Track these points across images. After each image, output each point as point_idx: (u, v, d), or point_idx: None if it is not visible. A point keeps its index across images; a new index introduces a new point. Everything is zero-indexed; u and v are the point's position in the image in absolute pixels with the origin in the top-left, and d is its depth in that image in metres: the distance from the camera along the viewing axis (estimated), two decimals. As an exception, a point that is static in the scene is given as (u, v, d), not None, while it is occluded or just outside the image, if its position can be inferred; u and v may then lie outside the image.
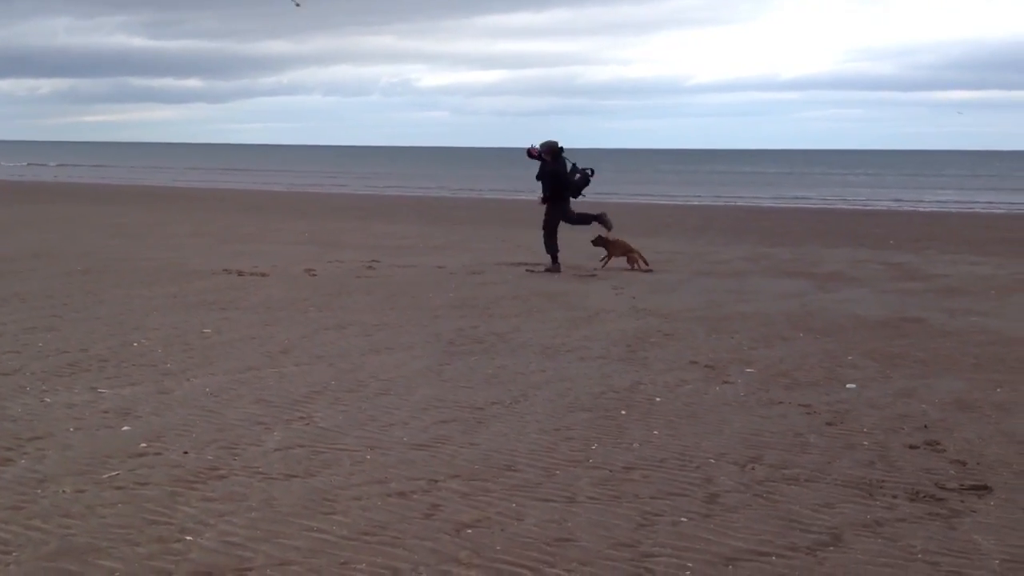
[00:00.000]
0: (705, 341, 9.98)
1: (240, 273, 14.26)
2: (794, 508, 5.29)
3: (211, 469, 5.71)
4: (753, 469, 5.93)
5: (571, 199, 16.13)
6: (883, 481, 5.75)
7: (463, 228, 24.31)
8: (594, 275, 15.25)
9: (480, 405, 7.28)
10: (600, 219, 16.35)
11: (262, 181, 59.22)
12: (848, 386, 8.12)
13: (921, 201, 45.50)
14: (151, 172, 73.87)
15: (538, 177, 16.05)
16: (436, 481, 5.59)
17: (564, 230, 16.10)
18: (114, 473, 5.60)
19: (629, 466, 5.93)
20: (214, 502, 5.20)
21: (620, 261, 16.18)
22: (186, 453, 6.00)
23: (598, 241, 16.47)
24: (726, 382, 8.19)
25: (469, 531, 4.88)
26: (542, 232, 15.95)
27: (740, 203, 42.18)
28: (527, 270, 15.56)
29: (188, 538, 4.73)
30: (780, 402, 7.57)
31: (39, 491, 5.30)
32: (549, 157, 15.82)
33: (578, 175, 15.89)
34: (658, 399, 7.57)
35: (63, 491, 5.30)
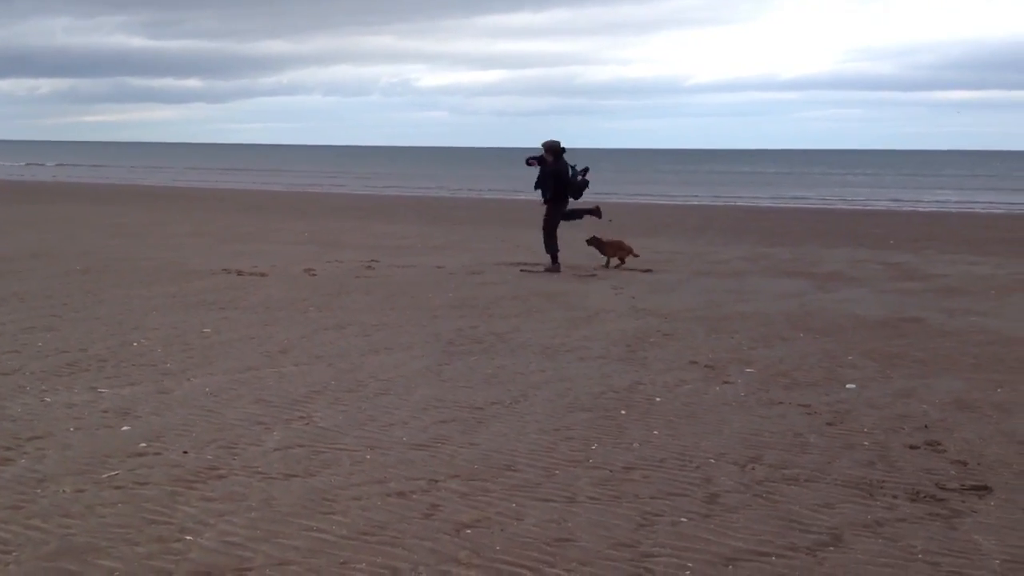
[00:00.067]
0: (705, 341, 9.98)
1: (240, 273, 14.26)
2: (794, 508, 5.29)
3: (211, 469, 5.71)
4: (753, 469, 5.93)
5: (571, 200, 16.14)
6: (883, 481, 5.75)
7: (463, 228, 24.30)
8: (594, 275, 15.24)
9: (480, 405, 7.28)
10: (593, 212, 16.56)
11: (262, 181, 59.16)
12: (848, 386, 8.12)
13: (920, 201, 45.50)
14: (151, 172, 73.82)
15: (537, 185, 16.00)
16: (436, 481, 5.59)
17: (564, 230, 16.10)
18: (114, 473, 5.60)
19: (629, 466, 5.93)
20: (214, 502, 5.20)
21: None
22: (186, 453, 6.00)
23: (592, 241, 16.48)
24: (726, 382, 8.19)
25: (469, 531, 4.88)
26: (542, 232, 15.95)
27: (739, 203, 42.16)
28: (521, 270, 15.56)
29: (188, 538, 4.73)
30: (780, 402, 7.57)
31: (39, 491, 5.30)
32: (551, 156, 15.81)
33: (579, 178, 15.89)
34: (658, 399, 7.57)
35: (63, 491, 5.30)
